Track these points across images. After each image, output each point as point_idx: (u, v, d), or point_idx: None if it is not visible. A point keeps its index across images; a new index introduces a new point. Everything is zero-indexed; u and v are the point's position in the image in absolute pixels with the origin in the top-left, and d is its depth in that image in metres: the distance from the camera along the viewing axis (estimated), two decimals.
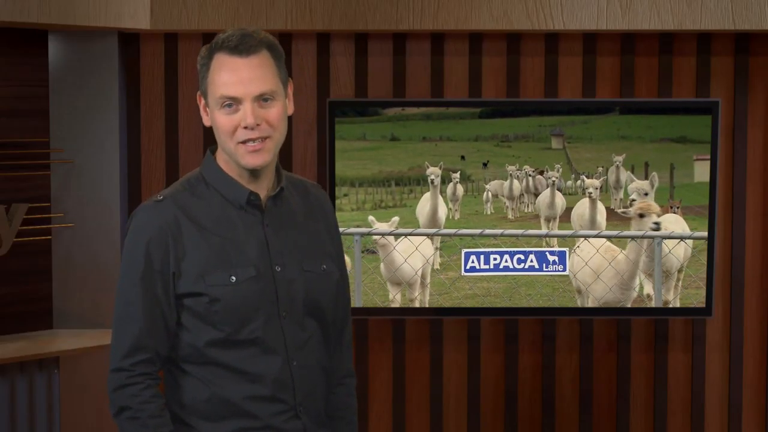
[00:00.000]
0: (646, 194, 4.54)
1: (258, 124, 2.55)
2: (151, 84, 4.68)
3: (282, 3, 4.50)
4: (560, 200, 4.59)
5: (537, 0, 4.50)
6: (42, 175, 4.48)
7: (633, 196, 4.54)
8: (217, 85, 2.56)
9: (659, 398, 4.79)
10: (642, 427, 4.81)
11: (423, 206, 4.56)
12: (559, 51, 4.68)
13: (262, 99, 2.56)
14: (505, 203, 4.59)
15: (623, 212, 4.54)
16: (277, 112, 2.58)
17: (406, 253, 4.59)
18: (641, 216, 4.53)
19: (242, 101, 2.54)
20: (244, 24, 4.41)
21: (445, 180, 4.55)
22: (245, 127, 2.54)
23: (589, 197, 4.55)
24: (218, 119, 2.57)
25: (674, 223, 4.59)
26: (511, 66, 4.69)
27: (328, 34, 4.67)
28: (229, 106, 2.55)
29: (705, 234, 4.55)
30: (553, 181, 4.55)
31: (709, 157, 4.53)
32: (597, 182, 4.54)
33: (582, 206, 4.58)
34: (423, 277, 4.60)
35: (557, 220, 4.59)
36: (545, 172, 4.57)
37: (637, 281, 4.59)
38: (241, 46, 2.55)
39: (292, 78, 2.70)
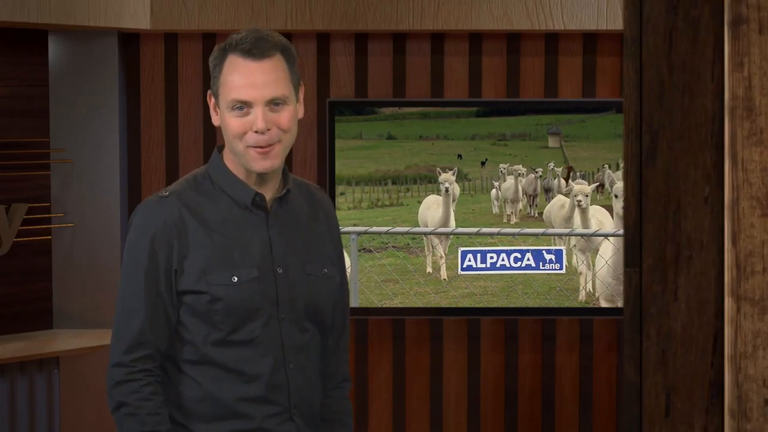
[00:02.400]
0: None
1: (268, 129, 2.53)
2: (151, 84, 4.68)
3: (282, 3, 4.50)
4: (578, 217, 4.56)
5: (537, 0, 4.50)
6: (42, 175, 4.49)
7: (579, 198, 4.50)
8: (229, 88, 2.54)
9: None
10: None
11: (433, 211, 4.53)
12: (559, 51, 4.68)
13: (274, 103, 2.54)
14: (505, 208, 4.58)
15: None
16: (288, 115, 2.56)
17: None
18: None
19: (253, 105, 2.53)
20: (244, 24, 4.41)
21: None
22: (255, 132, 2.53)
23: (578, 205, 4.51)
24: (228, 121, 2.55)
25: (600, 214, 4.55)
26: (511, 66, 4.68)
27: (328, 34, 4.67)
28: (240, 108, 2.53)
29: None
30: (579, 201, 4.51)
31: None
32: (588, 188, 4.50)
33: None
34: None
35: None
36: (565, 183, 4.53)
37: None
38: (255, 50, 2.53)
39: None
